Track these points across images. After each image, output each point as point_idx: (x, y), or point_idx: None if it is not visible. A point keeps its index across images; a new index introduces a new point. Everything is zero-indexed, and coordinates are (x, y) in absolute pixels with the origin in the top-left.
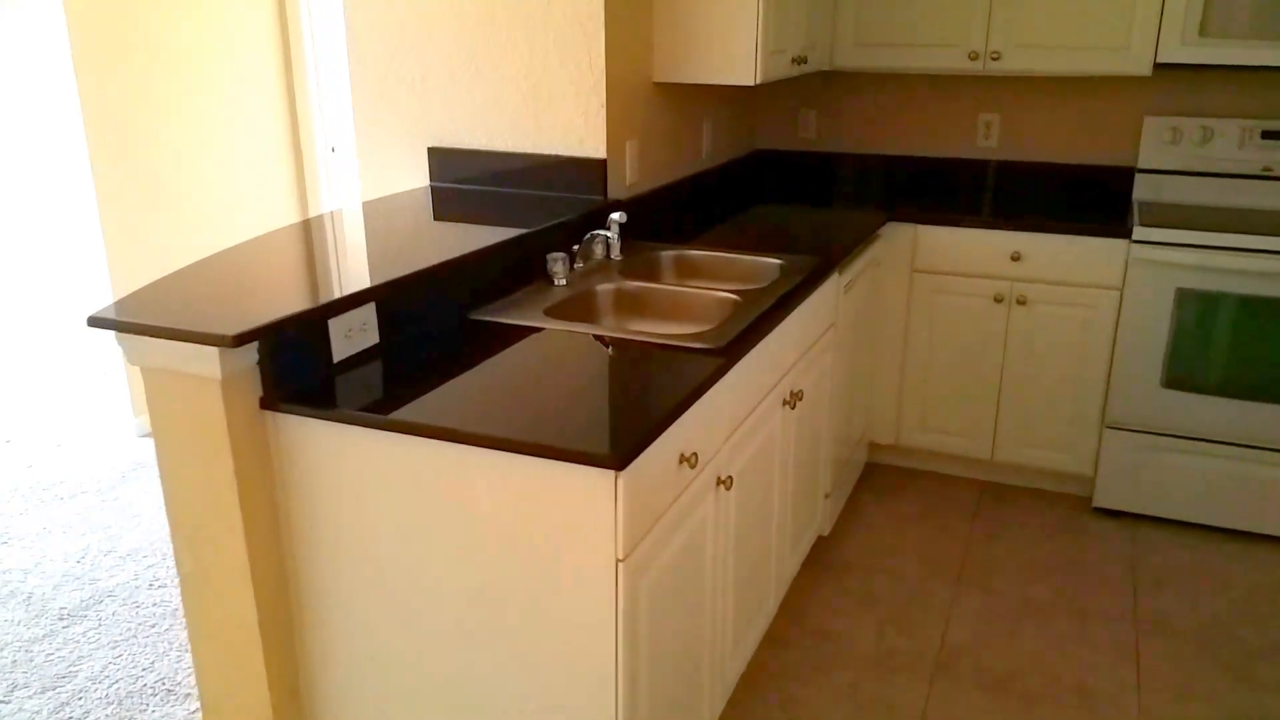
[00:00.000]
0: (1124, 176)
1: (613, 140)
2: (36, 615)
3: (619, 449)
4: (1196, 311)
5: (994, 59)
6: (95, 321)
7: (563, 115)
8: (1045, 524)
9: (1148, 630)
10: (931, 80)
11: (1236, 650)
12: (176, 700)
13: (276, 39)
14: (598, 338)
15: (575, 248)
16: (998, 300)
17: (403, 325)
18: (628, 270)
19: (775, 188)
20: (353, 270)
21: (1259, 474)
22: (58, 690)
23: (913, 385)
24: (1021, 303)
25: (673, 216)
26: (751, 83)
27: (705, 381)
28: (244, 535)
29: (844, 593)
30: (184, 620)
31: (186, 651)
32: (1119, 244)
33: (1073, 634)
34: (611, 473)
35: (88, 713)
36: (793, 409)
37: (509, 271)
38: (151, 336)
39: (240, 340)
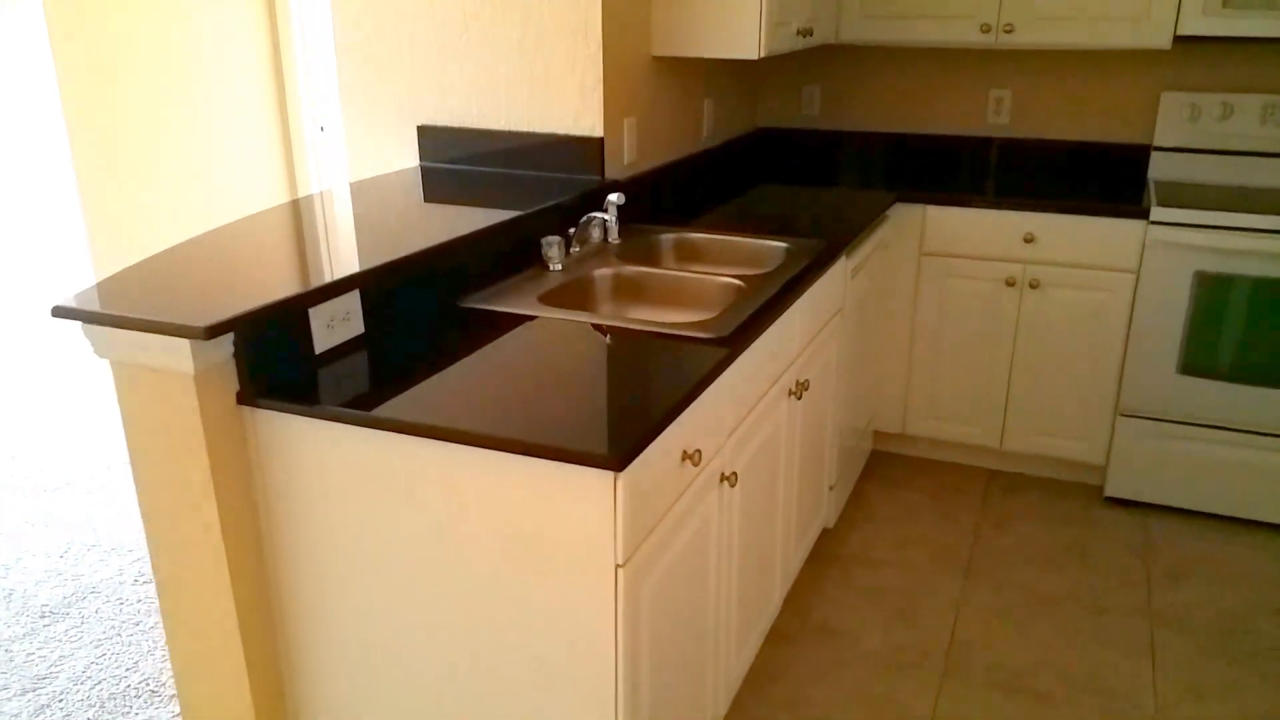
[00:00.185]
0: (1139, 155)
1: (610, 118)
2: (17, 613)
3: (618, 448)
4: (1215, 295)
5: (1007, 31)
6: (60, 312)
7: (558, 91)
8: (1056, 514)
9: (1163, 625)
10: (941, 54)
11: (1256, 645)
12: (161, 702)
13: (263, 14)
14: (595, 327)
15: (571, 231)
16: (1009, 284)
17: (389, 314)
18: (626, 254)
19: (778, 167)
20: (336, 255)
21: (1277, 463)
22: (38, 692)
23: (920, 372)
24: (1034, 286)
25: (672, 198)
26: (755, 56)
27: (709, 374)
28: (222, 538)
29: (850, 587)
30: None
31: None
32: (1136, 225)
33: (1086, 629)
34: (610, 473)
35: (69, 716)
36: (799, 399)
37: (501, 256)
38: (118, 328)
39: (213, 332)
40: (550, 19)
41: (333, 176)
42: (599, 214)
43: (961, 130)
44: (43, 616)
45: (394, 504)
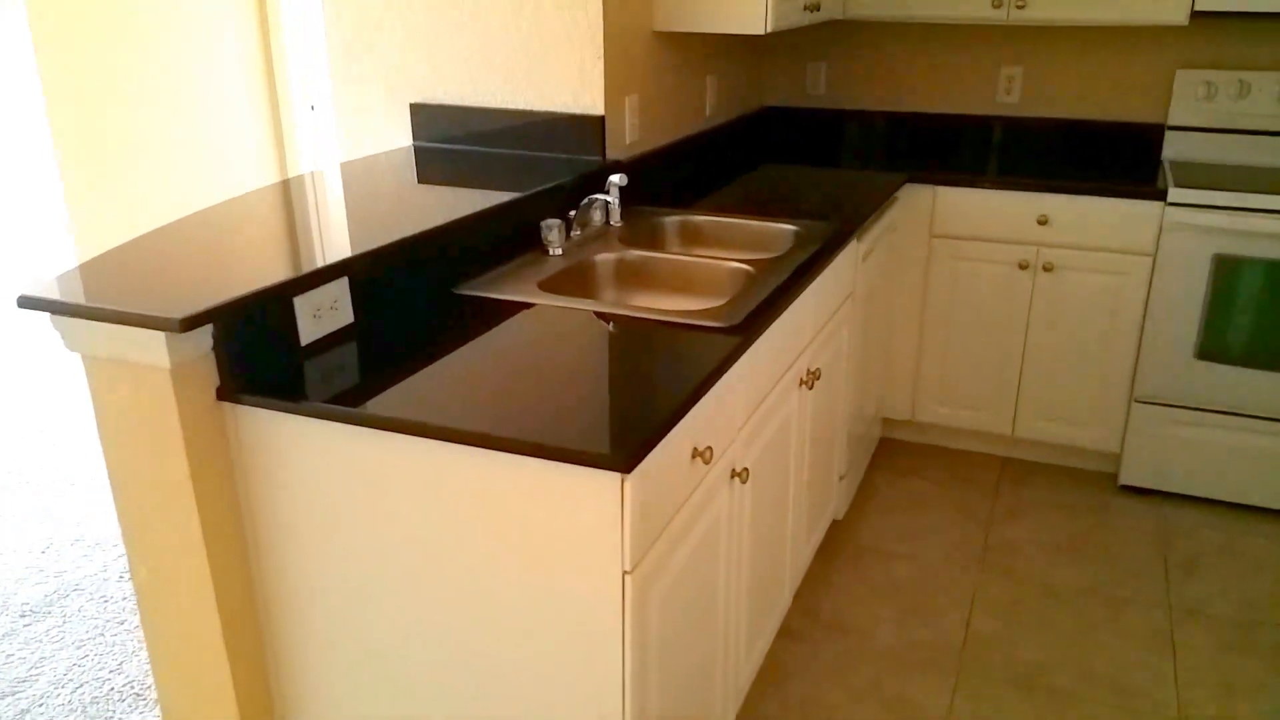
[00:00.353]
0: (1152, 134)
1: (611, 95)
2: None
3: (626, 448)
4: (1235, 279)
5: (1019, 7)
6: (26, 302)
7: (556, 67)
8: (1070, 503)
9: (1183, 618)
10: (950, 31)
11: (1279, 639)
12: (146, 706)
13: None
14: (598, 315)
15: (572, 214)
16: (1022, 267)
17: (380, 302)
18: (629, 238)
19: (783, 147)
20: (324, 240)
21: None
22: (17, 695)
23: (930, 357)
24: (1048, 269)
25: (675, 179)
26: (762, 31)
27: (721, 364)
28: (203, 541)
29: (861, 581)
30: None
31: None
32: (1153, 206)
33: (1104, 623)
34: (617, 475)
35: None
36: (810, 389)
37: (499, 240)
38: (89, 320)
39: (189, 324)
40: None
41: (323, 157)
42: (600, 196)
43: (969, 109)
44: (23, 616)
45: (386, 506)
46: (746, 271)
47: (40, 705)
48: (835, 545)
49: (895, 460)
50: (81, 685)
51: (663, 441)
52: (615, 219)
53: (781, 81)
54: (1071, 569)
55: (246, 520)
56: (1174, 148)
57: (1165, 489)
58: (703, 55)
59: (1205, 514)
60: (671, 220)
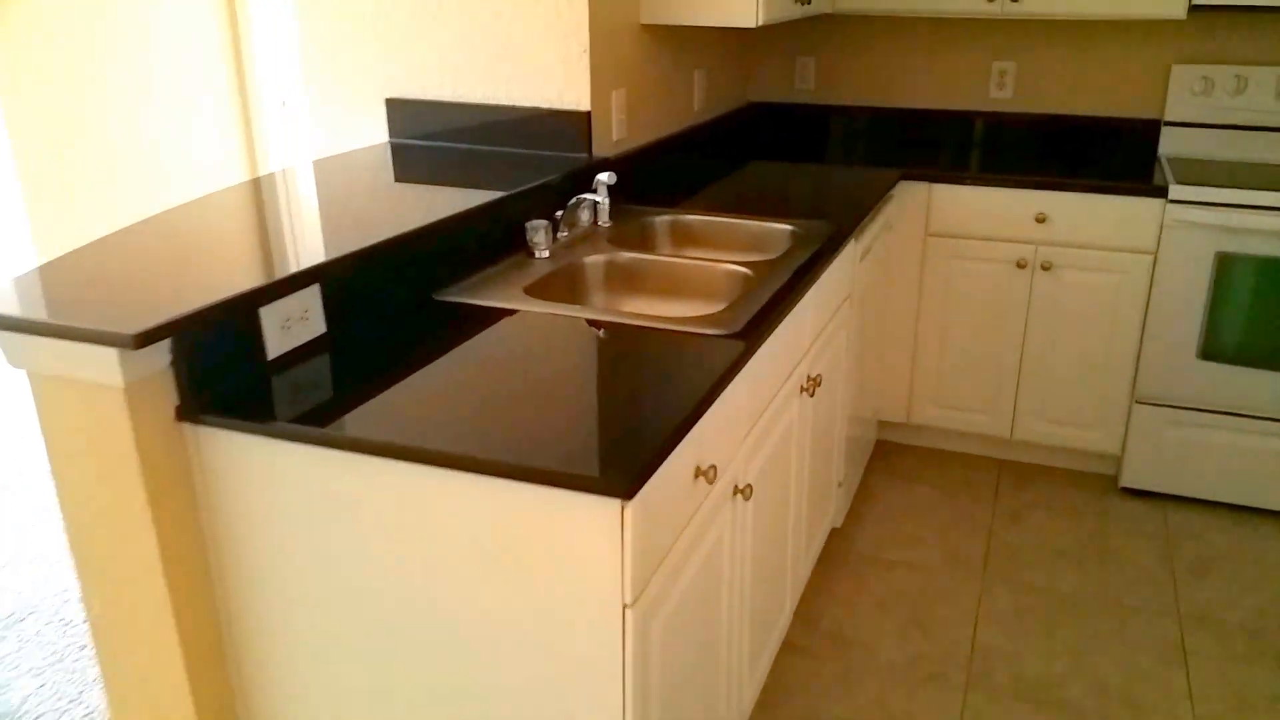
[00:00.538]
0: (1148, 130)
1: (597, 90)
2: None
3: (627, 471)
4: (1238, 277)
5: (1012, 1)
6: None
7: (540, 61)
8: (1071, 507)
9: (1193, 626)
10: (941, 25)
11: None
12: None
13: None
14: (590, 322)
15: (558, 214)
16: (1020, 266)
17: (354, 311)
18: (619, 239)
19: (771, 143)
20: (295, 244)
21: None
22: None
23: (925, 359)
24: (1046, 268)
25: (664, 177)
26: (753, 24)
27: (725, 375)
28: (163, 573)
29: (862, 591)
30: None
31: None
32: (1154, 204)
33: (1112, 632)
34: (617, 502)
35: None
36: (811, 396)
37: (482, 243)
38: (31, 335)
39: (145, 339)
40: None
41: (296, 154)
42: (589, 195)
43: (961, 105)
44: None
45: (363, 535)
46: (745, 274)
47: None
48: (834, 554)
49: (891, 464)
50: (39, 717)
51: (665, 462)
52: (604, 219)
53: (768, 77)
54: (1076, 576)
55: (210, 550)
56: (1170, 143)
57: (1167, 491)
58: (690, 49)
59: (1209, 517)
60: (662, 220)
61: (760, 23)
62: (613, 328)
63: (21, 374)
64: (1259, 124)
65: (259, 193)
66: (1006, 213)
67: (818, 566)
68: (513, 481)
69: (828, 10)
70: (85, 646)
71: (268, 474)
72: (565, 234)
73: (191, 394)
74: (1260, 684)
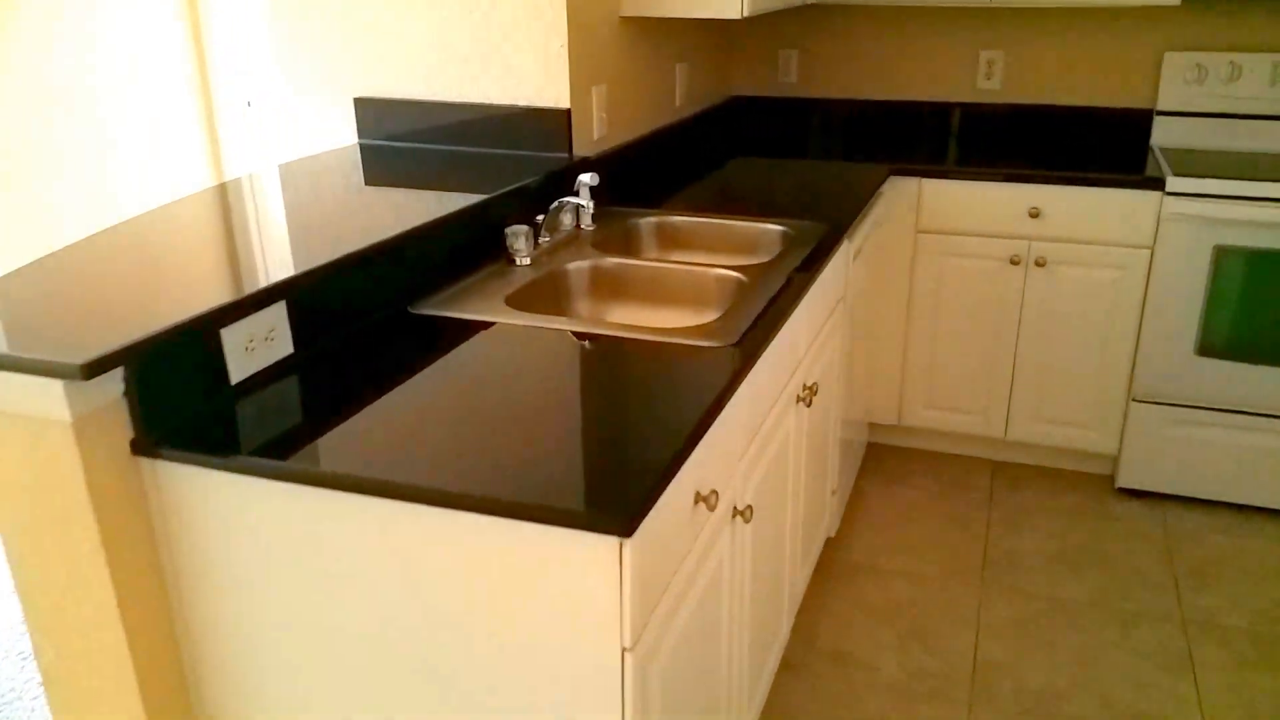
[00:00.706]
0: (1140, 120)
1: (577, 87)
2: None
3: (625, 506)
4: (1237, 271)
5: None
6: None
7: (517, 57)
8: (1068, 509)
9: (1198, 632)
10: (927, 14)
11: None
12: None
13: None
14: (577, 335)
15: (540, 218)
16: (1014, 262)
17: (324, 329)
18: (604, 243)
19: (755, 139)
20: (259, 256)
21: None
22: None
23: (916, 359)
24: (1040, 264)
25: (647, 175)
26: (738, 15)
27: (726, 389)
28: (120, 619)
29: (859, 604)
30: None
31: None
32: (1150, 196)
33: (1116, 641)
34: (615, 539)
35: None
36: (808, 406)
37: (459, 250)
38: None
39: (94, 369)
40: None
41: (261, 158)
42: (571, 199)
43: (948, 96)
44: None
45: (335, 574)
46: (738, 279)
47: None
48: (829, 565)
49: (884, 467)
50: None
51: (665, 492)
52: (586, 222)
53: (750, 70)
54: (1076, 581)
55: (172, 593)
56: (1163, 133)
57: (1166, 491)
58: (671, 42)
59: (1209, 517)
60: (648, 222)
61: (746, 14)
62: (602, 341)
63: None
64: (1253, 112)
65: (221, 201)
66: (999, 208)
67: (813, 579)
68: (498, 518)
69: (812, 0)
70: (38, 696)
71: (232, 510)
72: (547, 239)
73: (147, 426)
74: (1272, 694)
